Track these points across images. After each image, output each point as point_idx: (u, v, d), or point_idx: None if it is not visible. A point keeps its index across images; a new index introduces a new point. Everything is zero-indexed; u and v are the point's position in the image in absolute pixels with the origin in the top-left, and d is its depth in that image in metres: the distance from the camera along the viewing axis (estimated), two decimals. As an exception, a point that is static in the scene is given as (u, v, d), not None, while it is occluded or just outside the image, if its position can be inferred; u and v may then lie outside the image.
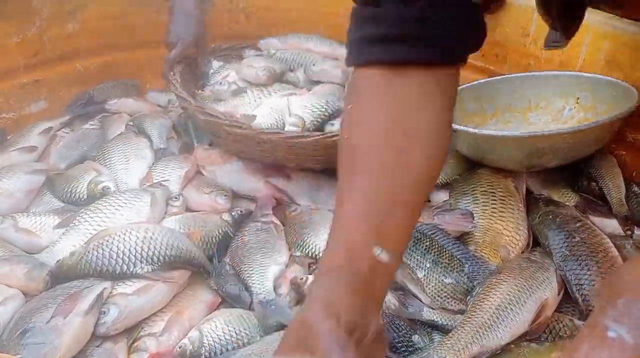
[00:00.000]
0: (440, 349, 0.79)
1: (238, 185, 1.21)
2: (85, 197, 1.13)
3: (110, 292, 0.85)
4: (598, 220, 1.04)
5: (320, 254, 0.99)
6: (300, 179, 1.19)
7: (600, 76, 1.20)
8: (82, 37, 1.51)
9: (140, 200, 1.04)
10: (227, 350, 0.83)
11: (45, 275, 0.89)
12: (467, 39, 0.66)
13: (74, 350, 0.78)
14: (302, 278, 0.93)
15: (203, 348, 0.82)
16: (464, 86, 1.29)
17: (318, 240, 1.02)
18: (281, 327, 0.86)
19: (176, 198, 1.11)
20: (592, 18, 1.21)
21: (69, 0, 1.48)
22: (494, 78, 1.33)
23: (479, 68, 1.51)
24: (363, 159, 0.61)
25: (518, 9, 1.38)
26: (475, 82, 1.33)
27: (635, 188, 1.09)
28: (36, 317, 0.78)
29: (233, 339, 0.84)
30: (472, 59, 1.54)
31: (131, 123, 1.41)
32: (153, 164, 1.25)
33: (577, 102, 1.25)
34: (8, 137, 1.36)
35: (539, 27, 1.34)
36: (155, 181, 1.18)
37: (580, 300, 0.88)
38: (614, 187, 1.09)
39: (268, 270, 0.97)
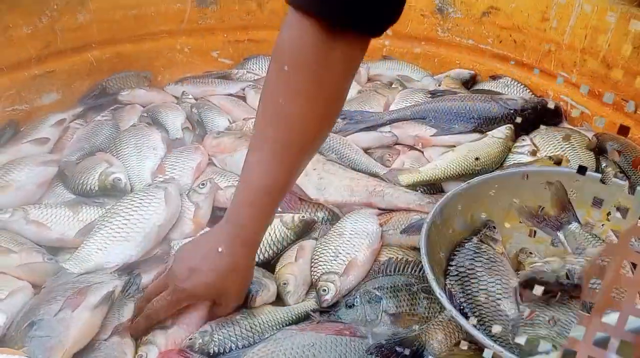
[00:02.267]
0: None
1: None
2: (96, 188, 1.12)
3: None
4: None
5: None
6: (311, 170, 1.16)
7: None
8: (93, 27, 1.49)
9: (154, 197, 1.02)
10: (238, 347, 0.81)
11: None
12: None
13: (80, 344, 0.77)
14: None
15: (212, 343, 0.80)
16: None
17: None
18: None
19: (203, 184, 1.09)
20: (618, 2, 1.17)
21: (80, -9, 1.47)
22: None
23: (497, 55, 1.47)
24: None
25: (538, -7, 1.33)
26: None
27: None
28: (44, 310, 0.77)
29: (244, 335, 0.83)
30: (489, 45, 1.53)
31: (145, 114, 1.40)
32: (165, 155, 1.24)
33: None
34: (21, 129, 1.36)
35: (559, 11, 1.29)
36: (167, 172, 1.17)
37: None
38: None
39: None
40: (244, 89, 1.53)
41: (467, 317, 0.82)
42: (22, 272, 0.88)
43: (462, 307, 0.84)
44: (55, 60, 1.45)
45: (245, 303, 0.87)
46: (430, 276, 0.82)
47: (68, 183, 1.16)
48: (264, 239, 1.00)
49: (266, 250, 1.01)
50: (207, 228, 1.04)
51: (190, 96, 1.51)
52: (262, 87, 0.75)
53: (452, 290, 0.87)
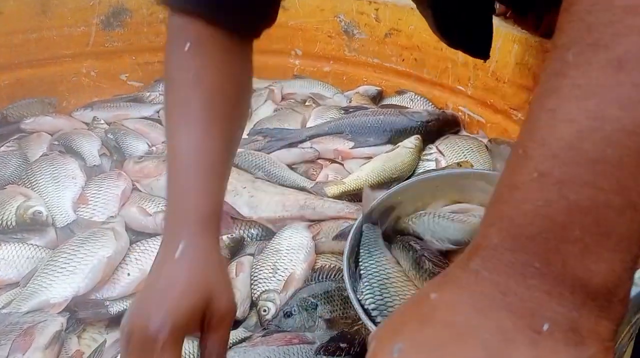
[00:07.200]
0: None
1: (178, 198, 1.19)
2: (14, 224, 1.06)
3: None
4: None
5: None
6: (241, 188, 1.19)
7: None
8: (-11, 53, 1.41)
9: (101, 235, 0.98)
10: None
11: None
12: None
13: (34, 387, 0.74)
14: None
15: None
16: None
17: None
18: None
19: None
20: (502, 23, 1.33)
21: (-26, 15, 1.38)
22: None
23: (401, 72, 1.60)
24: None
25: (433, 16, 1.47)
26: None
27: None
28: (-12, 357, 0.73)
29: None
30: (393, 63, 1.64)
31: (56, 142, 1.34)
32: (85, 184, 1.20)
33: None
34: None
35: (453, 32, 1.44)
36: (90, 202, 1.13)
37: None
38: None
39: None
40: (158, 112, 1.52)
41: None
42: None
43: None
44: (-51, 88, 1.35)
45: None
46: (349, 290, 0.82)
47: (-20, 221, 1.08)
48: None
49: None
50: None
51: (102, 121, 1.47)
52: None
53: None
